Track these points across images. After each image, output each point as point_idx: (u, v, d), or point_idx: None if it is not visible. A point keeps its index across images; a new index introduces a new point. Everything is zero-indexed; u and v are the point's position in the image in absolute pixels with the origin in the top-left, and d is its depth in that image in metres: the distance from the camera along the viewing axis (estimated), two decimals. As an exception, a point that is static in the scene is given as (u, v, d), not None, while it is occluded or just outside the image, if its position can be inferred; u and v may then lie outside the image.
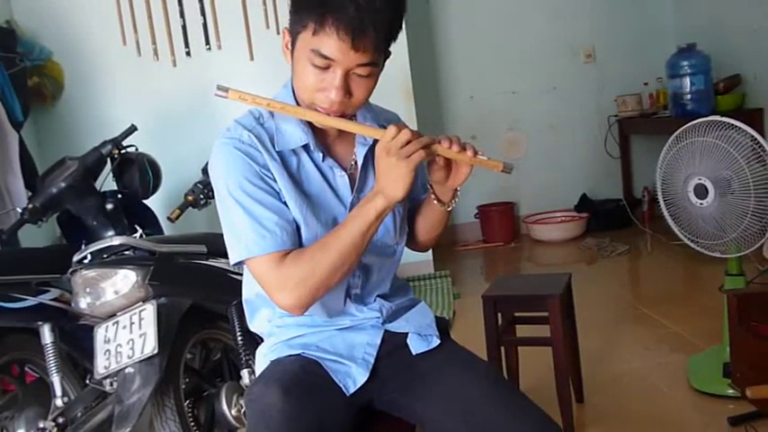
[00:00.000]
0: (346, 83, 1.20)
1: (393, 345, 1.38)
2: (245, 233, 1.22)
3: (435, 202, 1.35)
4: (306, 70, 1.21)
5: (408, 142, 1.16)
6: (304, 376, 1.26)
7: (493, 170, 1.25)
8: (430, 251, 4.22)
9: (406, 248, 1.48)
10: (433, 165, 1.27)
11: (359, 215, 1.20)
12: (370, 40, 1.17)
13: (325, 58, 1.18)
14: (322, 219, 1.29)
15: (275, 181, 1.26)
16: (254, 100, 1.21)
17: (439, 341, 1.40)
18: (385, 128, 1.20)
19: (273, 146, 1.28)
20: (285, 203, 1.26)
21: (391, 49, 1.27)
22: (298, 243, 1.25)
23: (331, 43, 1.16)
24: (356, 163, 1.35)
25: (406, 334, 1.40)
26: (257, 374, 1.37)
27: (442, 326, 1.46)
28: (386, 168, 1.18)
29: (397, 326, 1.41)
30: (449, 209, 1.36)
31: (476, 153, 1.22)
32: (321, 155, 1.31)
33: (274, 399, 1.18)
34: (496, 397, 1.26)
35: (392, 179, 1.17)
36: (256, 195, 1.23)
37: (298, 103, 1.29)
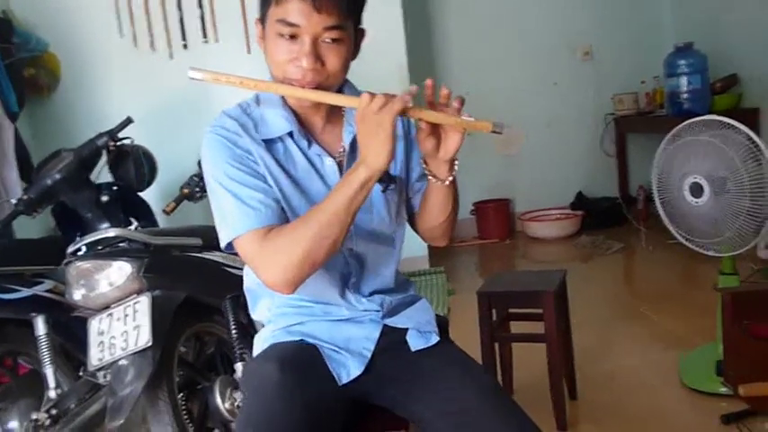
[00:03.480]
0: (315, 50, 1.21)
1: (392, 340, 1.38)
2: (231, 214, 1.23)
3: (431, 178, 1.31)
4: (276, 45, 1.22)
5: (384, 107, 1.14)
6: (302, 356, 1.27)
7: (482, 131, 1.21)
8: (425, 247, 4.22)
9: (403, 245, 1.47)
10: (419, 133, 1.24)
11: (341, 186, 1.19)
12: (331, 0, 1.18)
13: (291, 25, 1.19)
14: (308, 204, 1.29)
15: (257, 164, 1.27)
16: (228, 79, 1.21)
17: (438, 338, 1.40)
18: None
19: (258, 134, 1.29)
20: (270, 187, 1.27)
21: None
22: (284, 221, 1.25)
23: (293, 7, 1.18)
24: (345, 150, 1.34)
25: (406, 330, 1.40)
26: (255, 355, 1.38)
27: (442, 325, 1.46)
28: (364, 136, 1.16)
29: (396, 321, 1.40)
30: (446, 183, 1.30)
31: (460, 111, 1.19)
32: (306, 142, 1.31)
33: (271, 372, 1.19)
34: (491, 406, 1.26)
35: (372, 147, 1.16)
36: (239, 178, 1.24)
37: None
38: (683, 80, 4.16)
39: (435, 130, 1.23)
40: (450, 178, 1.30)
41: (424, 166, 1.30)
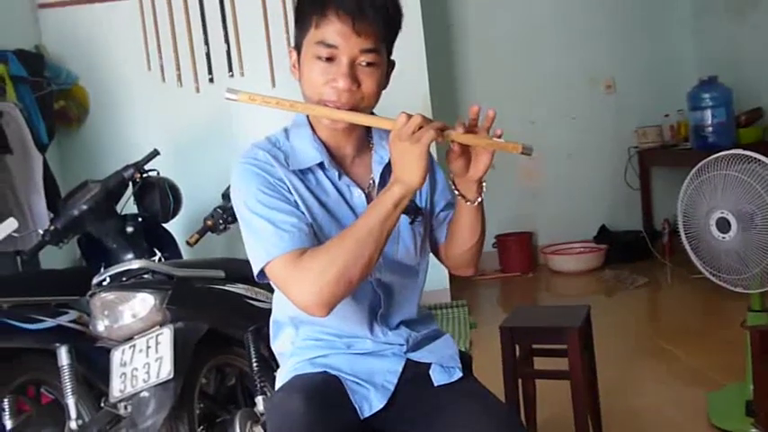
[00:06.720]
0: (352, 71, 1.24)
1: (414, 374, 1.38)
2: (265, 239, 1.24)
3: (460, 198, 1.33)
4: (313, 68, 1.25)
5: (420, 127, 1.16)
6: (325, 389, 1.27)
7: (513, 152, 1.24)
8: (446, 279, 4.20)
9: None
10: (450, 154, 1.26)
11: (376, 205, 1.20)
12: (370, 24, 1.22)
13: (330, 46, 1.22)
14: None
15: (290, 193, 1.28)
16: (264, 99, 1.23)
17: (461, 374, 1.39)
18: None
19: (288, 165, 1.31)
20: (303, 214, 1.28)
21: (394, 57, 1.32)
22: (316, 245, 1.25)
23: (333, 29, 1.22)
24: (374, 182, 1.36)
25: (429, 364, 1.39)
26: (278, 387, 1.38)
27: (466, 361, 1.45)
28: (399, 155, 1.18)
29: (419, 355, 1.40)
30: (475, 204, 1.33)
31: (490, 130, 1.23)
32: (337, 173, 1.33)
33: (297, 405, 1.19)
34: None
35: (407, 166, 1.17)
36: (271, 204, 1.25)
37: (311, 126, 1.34)
38: (708, 113, 4.13)
39: (465, 150, 1.26)
40: (480, 199, 1.33)
41: (453, 187, 1.33)
